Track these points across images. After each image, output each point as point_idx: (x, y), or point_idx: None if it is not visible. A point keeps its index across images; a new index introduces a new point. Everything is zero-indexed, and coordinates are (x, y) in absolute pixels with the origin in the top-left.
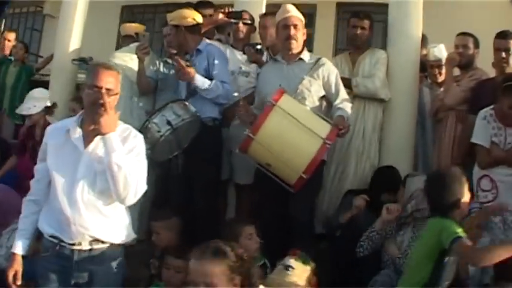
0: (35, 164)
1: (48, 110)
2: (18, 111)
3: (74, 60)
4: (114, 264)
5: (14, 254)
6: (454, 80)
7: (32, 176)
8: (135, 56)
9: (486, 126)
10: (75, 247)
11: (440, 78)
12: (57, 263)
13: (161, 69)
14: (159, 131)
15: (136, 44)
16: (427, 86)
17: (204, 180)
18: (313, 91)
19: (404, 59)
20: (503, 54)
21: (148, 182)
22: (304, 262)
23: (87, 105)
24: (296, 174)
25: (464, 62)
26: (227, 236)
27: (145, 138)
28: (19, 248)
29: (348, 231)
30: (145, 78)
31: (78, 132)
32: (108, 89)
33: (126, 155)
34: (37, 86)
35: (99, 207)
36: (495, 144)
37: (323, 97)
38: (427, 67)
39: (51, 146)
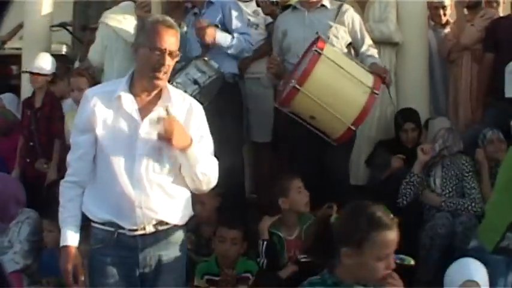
0: (32, 137)
1: (54, 79)
2: (28, 68)
3: (52, 26)
4: (179, 246)
5: (66, 247)
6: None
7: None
8: (128, 16)
9: None
10: (137, 232)
11: (444, 19)
12: (117, 254)
13: None
14: (185, 91)
15: (127, 2)
16: (431, 28)
17: (232, 142)
18: (341, 38)
19: (412, 0)
20: None
21: None
22: None
23: (145, 69)
24: (344, 126)
25: (473, 2)
26: (276, 191)
27: None
28: (71, 238)
29: (388, 186)
30: None
31: (131, 100)
32: (171, 52)
33: (199, 143)
34: (3, 62)
35: (164, 187)
36: None
37: (349, 44)
38: (429, 9)
39: (100, 114)
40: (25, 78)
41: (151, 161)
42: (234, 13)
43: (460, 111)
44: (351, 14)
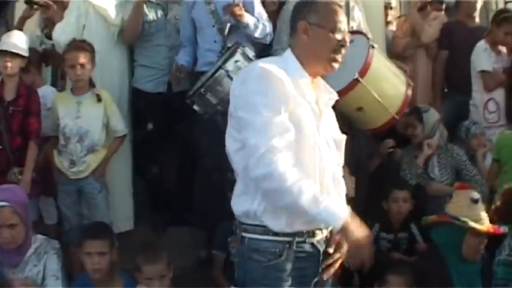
0: (1, 140)
1: (27, 65)
2: (5, 46)
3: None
4: None
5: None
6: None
7: None
8: None
9: (489, 56)
10: (317, 238)
11: (389, 18)
12: (297, 266)
13: (146, 10)
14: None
15: None
16: None
17: None
18: None
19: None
20: None
21: None
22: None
23: (323, 52)
24: (389, 115)
25: (422, 4)
26: None
27: (215, 89)
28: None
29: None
30: (140, 22)
31: (310, 87)
32: (346, 32)
33: None
34: None
35: (339, 180)
36: (495, 70)
37: None
38: None
39: (291, 96)
40: None
41: (333, 157)
42: None
43: (418, 102)
44: (357, 10)
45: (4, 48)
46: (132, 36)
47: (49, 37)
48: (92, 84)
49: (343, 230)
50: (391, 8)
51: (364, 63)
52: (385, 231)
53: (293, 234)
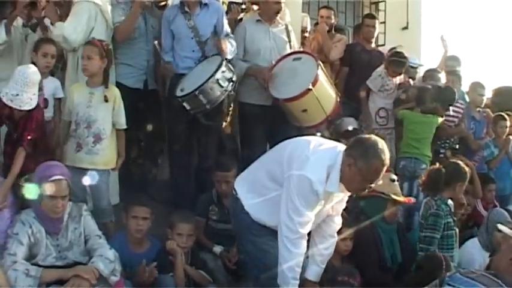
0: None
1: None
2: (14, 104)
3: None
4: None
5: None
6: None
7: None
8: None
9: (382, 80)
10: None
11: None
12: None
13: None
14: (221, 87)
15: None
16: None
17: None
18: (288, 51)
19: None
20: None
21: None
22: None
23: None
24: (324, 116)
25: (328, 29)
26: None
27: (207, 92)
28: None
29: None
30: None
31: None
32: None
33: None
34: None
35: None
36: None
37: None
38: None
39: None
40: None
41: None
42: (224, 17)
43: None
44: (292, 33)
45: (14, 106)
46: (127, 37)
47: (33, 30)
48: (105, 82)
49: None
50: (307, 31)
51: (315, 76)
52: None
53: None
